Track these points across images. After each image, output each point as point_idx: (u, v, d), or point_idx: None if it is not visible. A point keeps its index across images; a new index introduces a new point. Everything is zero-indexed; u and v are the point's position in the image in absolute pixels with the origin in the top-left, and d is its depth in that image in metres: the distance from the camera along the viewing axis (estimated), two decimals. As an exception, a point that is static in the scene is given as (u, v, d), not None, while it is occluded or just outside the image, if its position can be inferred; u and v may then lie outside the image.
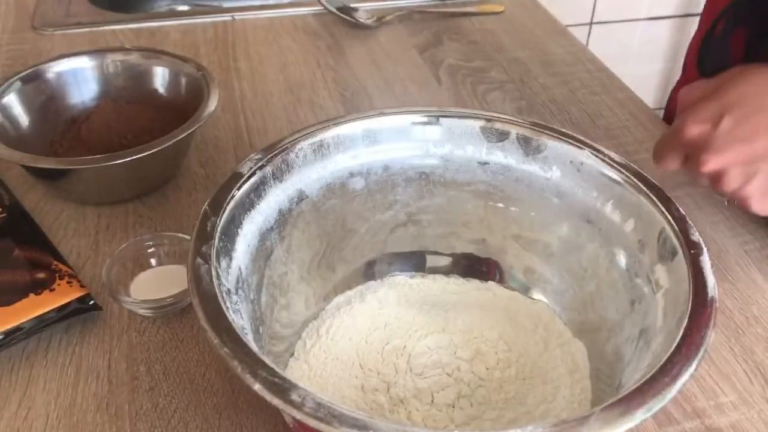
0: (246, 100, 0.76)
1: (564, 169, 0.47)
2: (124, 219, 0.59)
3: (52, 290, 0.49)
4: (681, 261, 0.40)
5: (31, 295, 0.49)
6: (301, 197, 0.47)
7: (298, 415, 0.31)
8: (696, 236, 0.41)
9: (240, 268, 0.41)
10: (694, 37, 0.71)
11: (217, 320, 0.35)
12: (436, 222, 0.52)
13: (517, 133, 0.48)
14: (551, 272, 0.50)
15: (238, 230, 0.42)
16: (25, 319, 0.47)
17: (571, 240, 0.48)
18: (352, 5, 0.92)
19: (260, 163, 0.45)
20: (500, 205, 0.50)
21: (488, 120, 0.49)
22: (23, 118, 0.63)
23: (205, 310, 0.35)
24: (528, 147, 0.48)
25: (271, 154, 0.46)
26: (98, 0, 0.95)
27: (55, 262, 0.52)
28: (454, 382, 0.44)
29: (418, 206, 0.51)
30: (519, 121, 0.49)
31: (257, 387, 0.32)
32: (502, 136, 0.49)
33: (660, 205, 0.43)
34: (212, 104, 0.61)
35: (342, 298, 0.50)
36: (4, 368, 0.47)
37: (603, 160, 0.46)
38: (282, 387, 0.32)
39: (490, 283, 0.52)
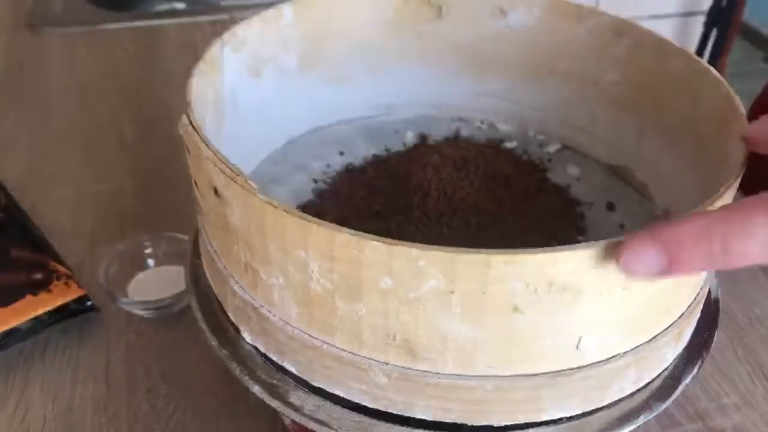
0: (245, 100, 0.75)
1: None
2: (122, 219, 0.59)
3: (49, 291, 0.49)
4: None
5: (29, 296, 0.48)
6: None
7: (297, 418, 0.31)
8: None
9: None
10: None
11: (215, 321, 0.35)
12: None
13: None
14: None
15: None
16: (22, 320, 0.47)
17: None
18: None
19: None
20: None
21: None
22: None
23: (203, 311, 0.35)
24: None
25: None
26: (96, -1, 0.95)
27: (53, 263, 0.52)
28: None
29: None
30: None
31: (256, 389, 0.32)
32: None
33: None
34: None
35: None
36: (1, 370, 0.47)
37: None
38: (281, 389, 0.32)
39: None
